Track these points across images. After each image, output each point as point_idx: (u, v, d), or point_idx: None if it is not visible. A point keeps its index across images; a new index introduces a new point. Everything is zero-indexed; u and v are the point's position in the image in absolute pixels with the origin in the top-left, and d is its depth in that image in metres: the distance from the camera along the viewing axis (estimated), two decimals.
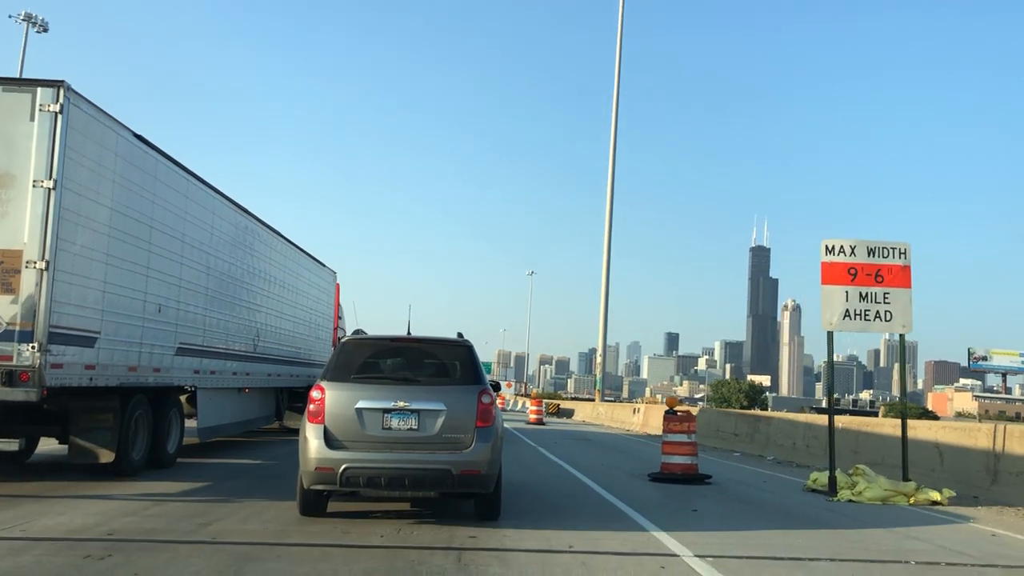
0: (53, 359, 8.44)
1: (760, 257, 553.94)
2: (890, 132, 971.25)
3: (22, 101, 8.27)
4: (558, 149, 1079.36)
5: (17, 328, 8.22)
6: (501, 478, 7.84)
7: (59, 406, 9.90)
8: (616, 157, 40.39)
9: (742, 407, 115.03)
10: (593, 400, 42.77)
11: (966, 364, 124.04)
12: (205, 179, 12.99)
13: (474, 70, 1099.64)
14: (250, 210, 15.37)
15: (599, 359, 41.57)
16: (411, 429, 7.25)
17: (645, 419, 29.82)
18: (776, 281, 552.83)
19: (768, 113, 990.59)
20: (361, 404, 7.26)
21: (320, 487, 7.29)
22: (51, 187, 8.27)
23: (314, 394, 7.37)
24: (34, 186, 8.27)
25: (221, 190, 13.74)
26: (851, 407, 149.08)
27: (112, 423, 10.01)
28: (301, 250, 19.29)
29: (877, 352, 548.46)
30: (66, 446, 10.13)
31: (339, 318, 24.67)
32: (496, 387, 9.03)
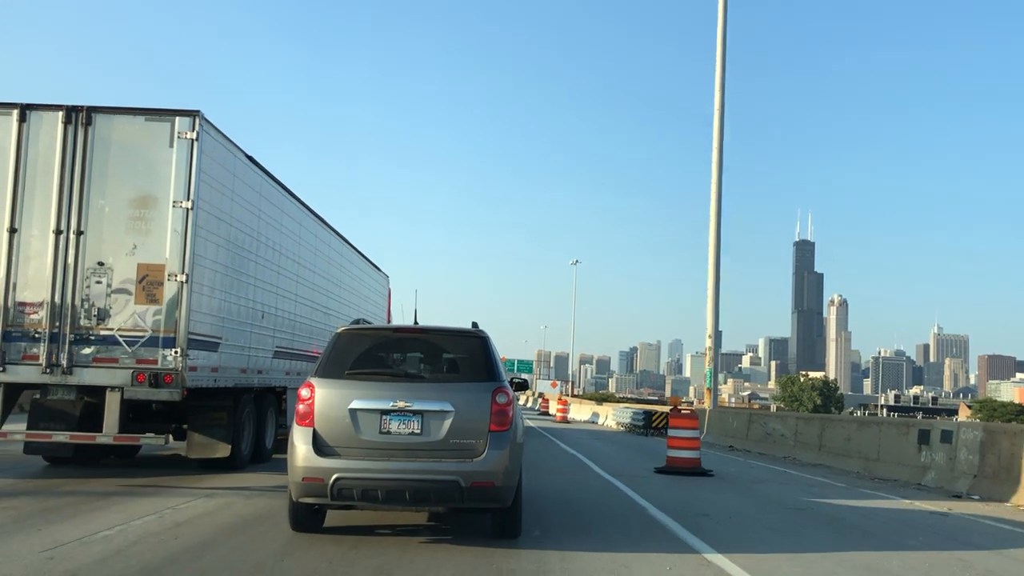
0: (190, 363, 9.34)
1: (804, 251, 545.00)
2: (937, 119, 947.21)
3: (162, 129, 9.21)
4: (596, 143, 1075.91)
5: (161, 335, 9.14)
6: (521, 490, 6.87)
7: (174, 406, 10.71)
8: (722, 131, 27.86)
9: (815, 407, 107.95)
10: (698, 403, 32.54)
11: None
12: (294, 192, 13.90)
13: (516, 61, 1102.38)
14: (324, 217, 16.28)
15: (709, 342, 28.87)
16: (413, 433, 6.29)
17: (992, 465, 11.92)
18: (821, 276, 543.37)
19: (810, 101, 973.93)
20: (356, 404, 6.33)
21: (309, 500, 6.39)
22: (189, 207, 9.20)
23: (303, 392, 6.48)
24: (174, 206, 9.20)
25: (304, 201, 14.66)
26: (912, 404, 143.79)
27: (226, 421, 10.82)
28: (362, 255, 20.23)
29: (926, 347, 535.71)
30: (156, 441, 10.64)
31: (390, 320, 25.66)
32: (523, 385, 8.19)
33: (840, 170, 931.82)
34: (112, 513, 7.46)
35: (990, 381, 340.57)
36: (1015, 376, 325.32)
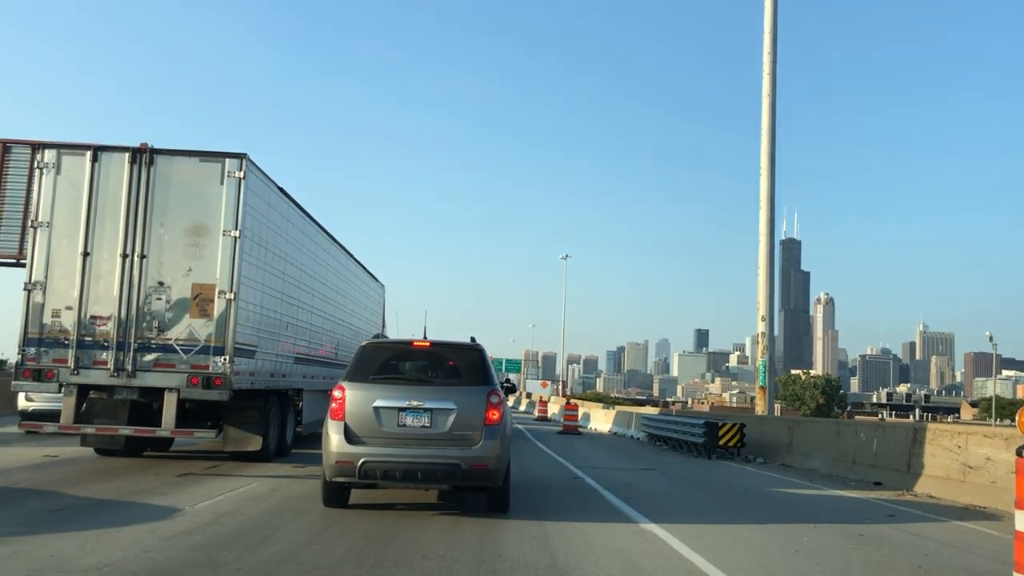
0: (235, 368, 10.88)
1: (791, 250, 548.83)
2: (923, 116, 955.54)
3: (214, 169, 10.81)
4: (586, 143, 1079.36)
5: (212, 344, 10.71)
6: (509, 473, 8.38)
7: (211, 405, 12.09)
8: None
9: (818, 406, 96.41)
10: (747, 408, 27.40)
11: (1009, 356, 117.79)
12: (312, 215, 15.45)
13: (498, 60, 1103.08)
14: (334, 235, 17.80)
15: (762, 326, 24.02)
16: (424, 426, 7.75)
17: None
18: (808, 274, 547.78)
19: (795, 99, 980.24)
20: (378, 403, 7.77)
21: (340, 479, 7.91)
22: (237, 236, 10.81)
23: (336, 393, 7.96)
24: (224, 235, 10.81)
25: (319, 220, 16.20)
26: (905, 402, 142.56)
27: (257, 418, 12.37)
28: (364, 268, 21.81)
29: (912, 344, 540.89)
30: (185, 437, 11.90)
31: (384, 326, 27.22)
32: (512, 389, 9.81)
33: (825, 169, 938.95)
34: (202, 489, 9.23)
35: (976, 378, 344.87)
36: (1001, 373, 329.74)
